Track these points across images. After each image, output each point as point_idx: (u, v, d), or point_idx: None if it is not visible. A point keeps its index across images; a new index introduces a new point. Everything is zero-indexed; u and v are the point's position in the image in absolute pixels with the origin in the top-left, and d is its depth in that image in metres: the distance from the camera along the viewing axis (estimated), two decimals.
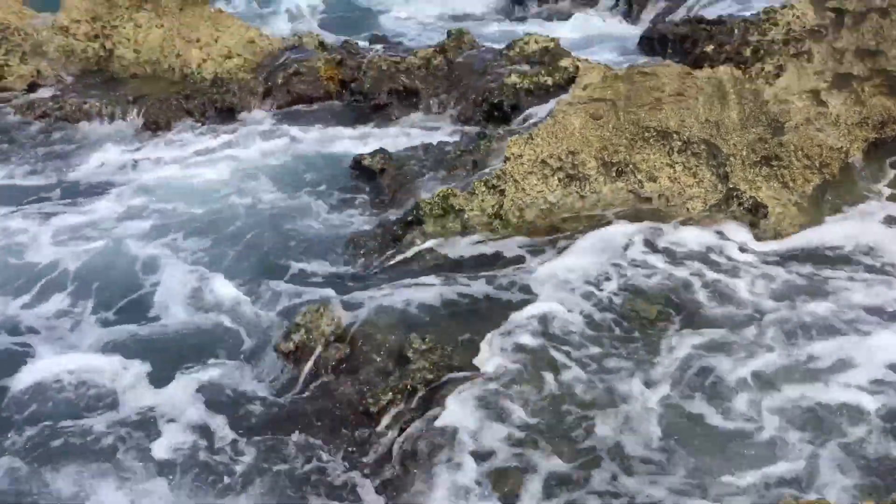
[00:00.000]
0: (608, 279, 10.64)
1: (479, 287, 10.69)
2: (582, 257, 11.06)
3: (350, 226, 13.19)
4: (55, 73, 19.87)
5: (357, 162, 14.51)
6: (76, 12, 20.19)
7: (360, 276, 11.67)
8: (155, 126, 17.64)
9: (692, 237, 11.34)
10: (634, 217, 11.79)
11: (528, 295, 10.47)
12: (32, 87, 19.49)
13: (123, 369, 9.99)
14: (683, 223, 11.63)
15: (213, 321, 11.01)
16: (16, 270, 12.27)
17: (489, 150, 13.53)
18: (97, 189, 15.02)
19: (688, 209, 11.95)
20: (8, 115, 18.13)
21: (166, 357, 10.31)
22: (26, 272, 12.22)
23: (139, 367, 10.07)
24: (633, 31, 20.76)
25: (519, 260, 11.33)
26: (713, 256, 10.97)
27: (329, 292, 11.12)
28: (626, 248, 11.20)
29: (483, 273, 11.06)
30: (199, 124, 17.62)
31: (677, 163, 12.04)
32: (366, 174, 14.38)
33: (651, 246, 11.23)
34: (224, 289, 11.56)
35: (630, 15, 22.45)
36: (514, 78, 15.69)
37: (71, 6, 20.23)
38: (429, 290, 10.63)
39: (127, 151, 16.48)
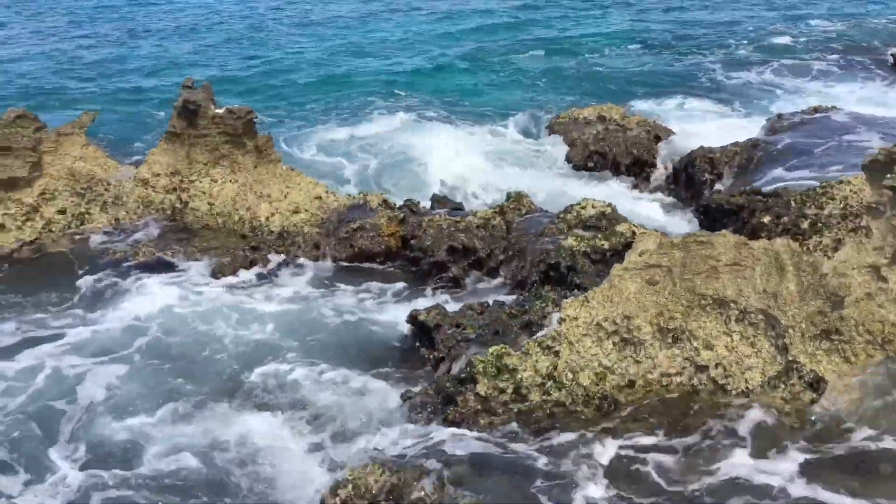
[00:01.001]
0: None
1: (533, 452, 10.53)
2: None
3: (404, 381, 13.25)
4: (132, 222, 20.89)
5: (413, 318, 14.70)
6: (157, 167, 21.47)
7: (412, 432, 11.60)
8: (221, 274, 18.29)
9: None
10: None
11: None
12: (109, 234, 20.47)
13: None
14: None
15: (264, 467, 11.04)
16: None
17: (544, 311, 13.63)
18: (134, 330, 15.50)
19: (746, 380, 11.73)
20: (87, 257, 19.07)
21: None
22: None
23: None
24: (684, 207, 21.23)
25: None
26: None
27: (379, 448, 11.05)
28: None
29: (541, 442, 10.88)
30: (265, 274, 18.23)
31: (734, 332, 11.94)
32: (422, 329, 14.54)
33: None
34: (273, 433, 11.62)
35: (682, 198, 22.46)
36: (571, 241, 15.91)
37: (153, 161, 21.56)
38: (480, 450, 10.50)
39: (192, 294, 17.05)
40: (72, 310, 16.77)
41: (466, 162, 25.47)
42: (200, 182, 21.12)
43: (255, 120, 21.19)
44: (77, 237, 20.21)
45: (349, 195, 21.37)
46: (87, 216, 20.72)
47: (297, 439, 11.83)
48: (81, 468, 11.48)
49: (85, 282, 17.97)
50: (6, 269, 18.83)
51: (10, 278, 18.35)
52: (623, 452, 10.51)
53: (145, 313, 16.11)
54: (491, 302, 14.99)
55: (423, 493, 9.57)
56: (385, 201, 20.46)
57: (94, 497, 10.76)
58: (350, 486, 9.57)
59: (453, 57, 39.55)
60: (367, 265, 18.43)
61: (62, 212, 20.51)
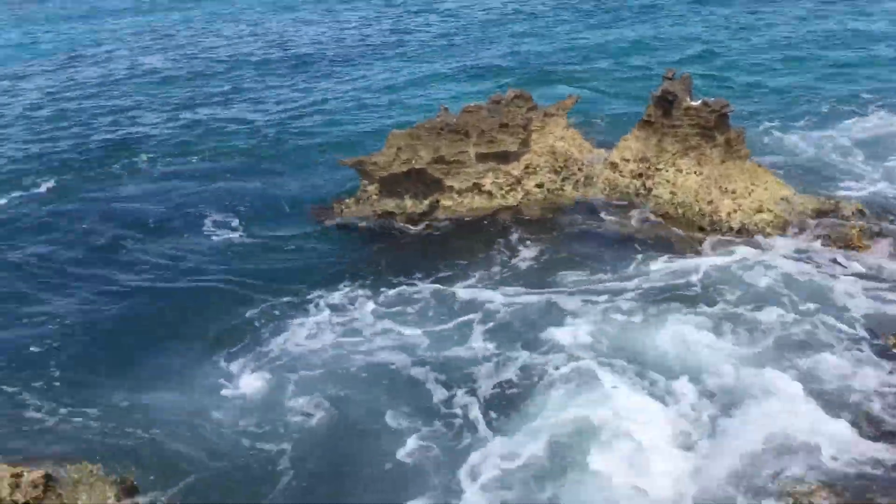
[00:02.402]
0: None
1: None
2: None
3: None
4: (595, 200, 22.39)
5: None
6: (628, 152, 22.65)
7: None
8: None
9: None
10: None
11: None
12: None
13: None
14: None
15: None
16: None
17: None
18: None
19: None
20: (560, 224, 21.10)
21: None
22: None
23: None
24: None
25: None
26: None
27: None
28: None
29: None
30: None
31: None
32: None
33: None
34: None
35: None
36: None
37: (624, 147, 22.79)
38: None
39: None
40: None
41: None
42: (666, 171, 21.80)
43: (730, 113, 21.18)
44: (550, 208, 22.29)
45: (819, 198, 20.37)
46: (560, 192, 22.72)
47: None
48: None
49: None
50: (488, 225, 21.59)
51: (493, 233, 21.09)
52: None
53: None
54: None
55: None
56: (860, 210, 19.14)
57: None
58: None
59: None
60: None
61: (539, 185, 22.78)
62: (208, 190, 25.14)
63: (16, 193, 25.83)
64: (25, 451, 13.58)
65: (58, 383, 15.59)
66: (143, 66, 46.43)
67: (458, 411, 14.39)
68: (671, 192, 21.49)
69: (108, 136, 31.61)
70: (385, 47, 48.90)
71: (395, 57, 45.57)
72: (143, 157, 28.65)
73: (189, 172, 26.92)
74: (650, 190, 21.88)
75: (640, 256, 19.30)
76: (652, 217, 21.03)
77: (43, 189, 26.03)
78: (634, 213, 21.49)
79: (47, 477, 12.39)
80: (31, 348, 16.78)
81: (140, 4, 78.73)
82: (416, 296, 18.23)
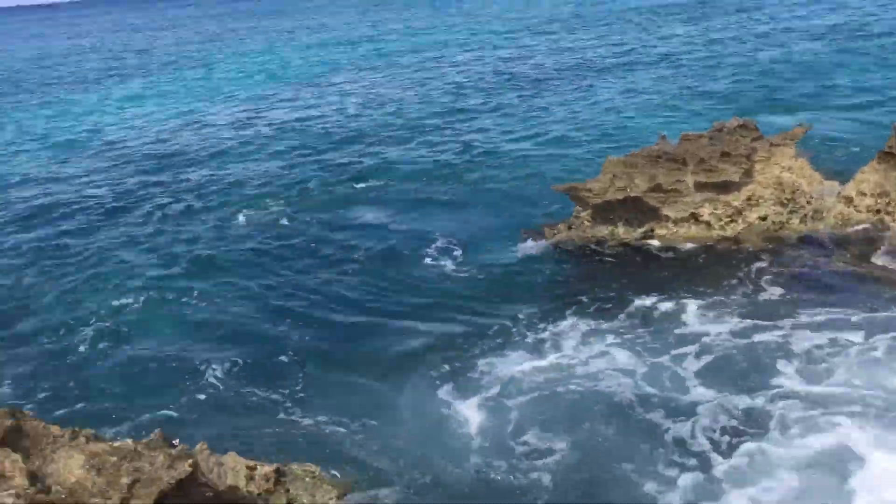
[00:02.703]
0: None
1: None
2: None
3: None
4: (824, 235, 20.91)
5: None
6: (865, 185, 21.05)
7: None
8: None
9: None
10: None
11: None
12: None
13: None
14: None
15: None
16: None
17: None
18: None
19: None
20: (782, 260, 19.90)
21: None
22: None
23: None
24: None
25: None
26: None
27: None
28: None
29: None
30: None
31: None
32: None
33: None
34: None
35: None
36: None
37: (861, 179, 21.20)
38: None
39: None
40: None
41: None
42: None
43: None
44: (772, 240, 21.04)
45: None
46: (785, 224, 21.46)
47: None
48: None
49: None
50: (706, 256, 20.78)
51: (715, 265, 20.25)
52: None
53: None
54: None
55: None
56: None
57: None
58: None
59: None
60: None
61: (763, 218, 21.64)
62: (432, 215, 26.18)
63: (252, 211, 28.30)
64: (256, 448, 14.66)
65: (291, 391, 16.72)
66: (376, 94, 49.26)
67: (693, 459, 13.69)
68: None
69: (343, 161, 33.82)
70: (604, 71, 48.79)
71: (614, 81, 45.34)
72: (375, 181, 30.48)
73: (413, 199, 28.17)
74: (889, 226, 20.19)
75: (886, 295, 17.71)
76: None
77: (280, 209, 28.30)
78: (875, 249, 19.82)
79: (277, 471, 13.31)
80: (279, 357, 18.15)
81: (366, 33, 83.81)
82: (629, 321, 17.84)
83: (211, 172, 33.95)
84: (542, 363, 16.63)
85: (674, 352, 16.45)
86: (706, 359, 16.10)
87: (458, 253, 22.82)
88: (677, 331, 17.29)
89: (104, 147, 41.63)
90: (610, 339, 17.25)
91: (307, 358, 17.97)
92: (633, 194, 21.86)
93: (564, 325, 18.04)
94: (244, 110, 48.47)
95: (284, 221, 27.00)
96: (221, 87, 59.46)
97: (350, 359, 17.71)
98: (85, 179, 34.71)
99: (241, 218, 27.62)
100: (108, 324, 20.30)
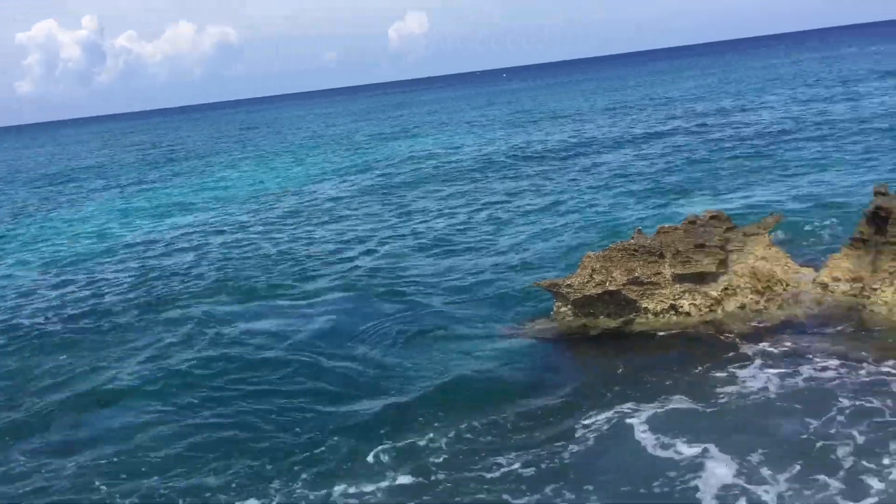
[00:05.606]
0: None
1: None
2: None
3: None
4: (802, 318, 21.07)
5: None
6: (838, 271, 21.42)
7: None
8: None
9: None
10: None
11: None
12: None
13: None
14: None
15: None
16: None
17: None
18: None
19: None
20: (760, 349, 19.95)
21: None
22: None
23: None
24: None
25: None
26: None
27: None
28: None
29: None
30: None
31: None
32: None
33: None
34: None
35: None
36: None
37: (834, 266, 21.60)
38: None
39: None
40: None
41: None
42: (883, 291, 20.36)
43: None
44: (752, 326, 21.15)
45: None
46: (763, 312, 21.67)
47: None
48: None
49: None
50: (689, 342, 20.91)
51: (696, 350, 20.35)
52: None
53: None
54: None
55: None
56: None
57: None
58: None
59: None
60: None
61: (741, 307, 21.86)
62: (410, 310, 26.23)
63: None
64: None
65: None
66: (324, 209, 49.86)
67: None
68: (889, 309, 19.96)
69: (293, 271, 33.93)
70: (571, 175, 50.16)
71: (583, 184, 46.53)
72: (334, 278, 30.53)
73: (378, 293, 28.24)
74: (863, 307, 20.44)
75: (865, 377, 17.76)
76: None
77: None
78: (853, 331, 19.99)
79: None
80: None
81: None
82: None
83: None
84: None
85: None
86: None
87: (437, 352, 22.63)
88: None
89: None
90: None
91: None
92: (611, 288, 22.06)
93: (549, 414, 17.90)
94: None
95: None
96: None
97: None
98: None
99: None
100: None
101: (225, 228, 45.28)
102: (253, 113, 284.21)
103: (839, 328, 20.07)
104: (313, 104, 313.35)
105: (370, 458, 16.91)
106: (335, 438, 17.94)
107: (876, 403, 16.51)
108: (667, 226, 23.49)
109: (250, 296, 29.83)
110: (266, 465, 17.10)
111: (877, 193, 21.06)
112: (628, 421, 17.17)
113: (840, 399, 16.87)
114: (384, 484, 15.89)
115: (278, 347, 23.85)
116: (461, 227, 38.33)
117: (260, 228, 43.93)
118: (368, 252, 34.85)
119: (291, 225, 44.07)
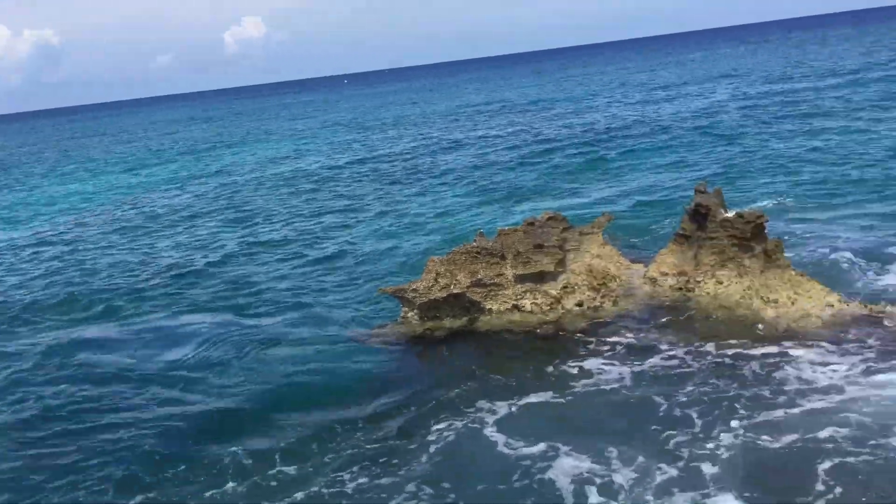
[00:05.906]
0: None
1: None
2: None
3: None
4: (635, 311, 22.13)
5: None
6: (665, 266, 22.65)
7: None
8: None
9: None
10: None
11: None
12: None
13: None
14: None
15: None
16: None
17: None
18: None
19: None
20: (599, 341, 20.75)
21: None
22: None
23: None
24: None
25: None
26: None
27: None
28: None
29: None
30: None
31: None
32: None
33: None
34: None
35: None
36: None
37: (661, 261, 22.84)
38: None
39: None
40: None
41: None
42: (706, 283, 21.71)
43: (766, 224, 21.24)
44: (590, 322, 22.00)
45: (867, 304, 20.05)
46: (600, 308, 22.59)
47: None
48: None
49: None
50: (532, 340, 21.41)
51: (540, 347, 20.86)
52: None
53: None
54: None
55: None
56: None
57: None
58: None
59: None
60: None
61: (580, 304, 22.69)
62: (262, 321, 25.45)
63: None
64: None
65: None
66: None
67: None
68: (712, 300, 21.33)
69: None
70: (416, 181, 50.50)
71: (428, 188, 46.96)
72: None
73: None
74: (690, 298, 21.73)
75: (694, 361, 18.89)
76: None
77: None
78: (680, 321, 21.18)
79: None
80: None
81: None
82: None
83: None
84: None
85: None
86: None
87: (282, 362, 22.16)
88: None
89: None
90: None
91: None
92: (456, 291, 22.33)
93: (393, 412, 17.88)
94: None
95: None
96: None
97: None
98: None
99: None
100: None
101: (54, 242, 42.47)
102: (76, 122, 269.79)
103: (669, 318, 21.21)
104: (151, 110, 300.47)
105: (204, 465, 16.60)
106: (174, 448, 17.35)
107: (707, 388, 17.62)
108: (507, 228, 24.05)
109: (83, 318, 28.10)
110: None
111: (697, 192, 22.43)
112: (480, 419, 17.43)
113: (675, 386, 17.88)
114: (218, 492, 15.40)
115: (114, 369, 22.62)
116: (306, 235, 37.78)
117: (93, 242, 41.49)
118: (210, 264, 33.66)
119: (127, 238, 41.91)
